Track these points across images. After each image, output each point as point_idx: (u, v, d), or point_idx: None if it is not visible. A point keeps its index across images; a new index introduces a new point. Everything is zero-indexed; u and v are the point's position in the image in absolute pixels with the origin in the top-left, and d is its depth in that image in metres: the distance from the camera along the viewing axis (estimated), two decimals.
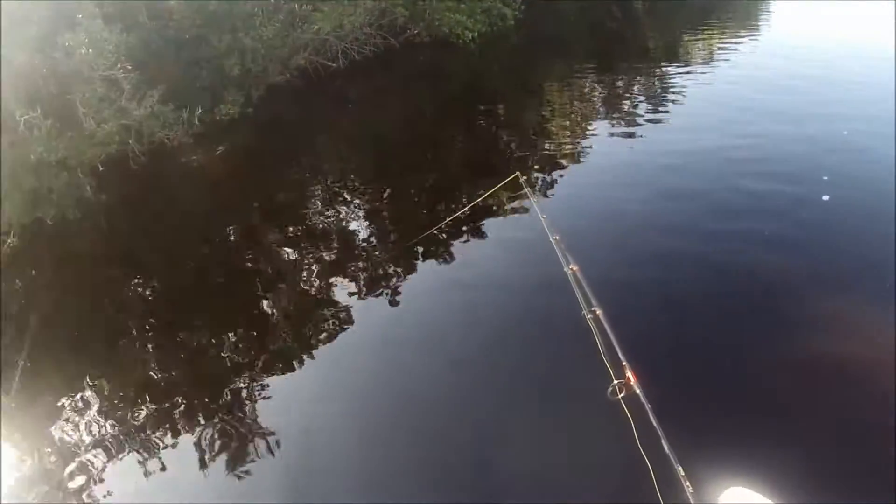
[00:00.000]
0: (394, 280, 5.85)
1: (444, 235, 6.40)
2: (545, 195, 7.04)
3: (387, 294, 5.63)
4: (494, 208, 6.85)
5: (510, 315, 4.95)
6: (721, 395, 3.97)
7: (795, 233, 5.61)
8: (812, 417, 3.78)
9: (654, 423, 3.36)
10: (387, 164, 9.13)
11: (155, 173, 8.82)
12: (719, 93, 10.37)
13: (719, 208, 6.21)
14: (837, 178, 6.50)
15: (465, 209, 6.62)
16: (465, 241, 6.33)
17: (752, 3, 21.28)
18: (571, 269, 3.99)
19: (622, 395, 3.59)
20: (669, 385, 3.81)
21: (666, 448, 3.22)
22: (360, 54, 14.15)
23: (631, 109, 10.24)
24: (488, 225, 6.60)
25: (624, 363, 3.66)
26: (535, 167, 8.06)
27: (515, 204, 6.80)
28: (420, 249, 6.24)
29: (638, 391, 3.55)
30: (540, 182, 7.51)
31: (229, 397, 4.64)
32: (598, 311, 3.78)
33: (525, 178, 5.91)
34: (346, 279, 5.91)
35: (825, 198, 6.07)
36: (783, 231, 5.61)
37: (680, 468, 3.13)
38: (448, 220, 6.40)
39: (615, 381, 3.61)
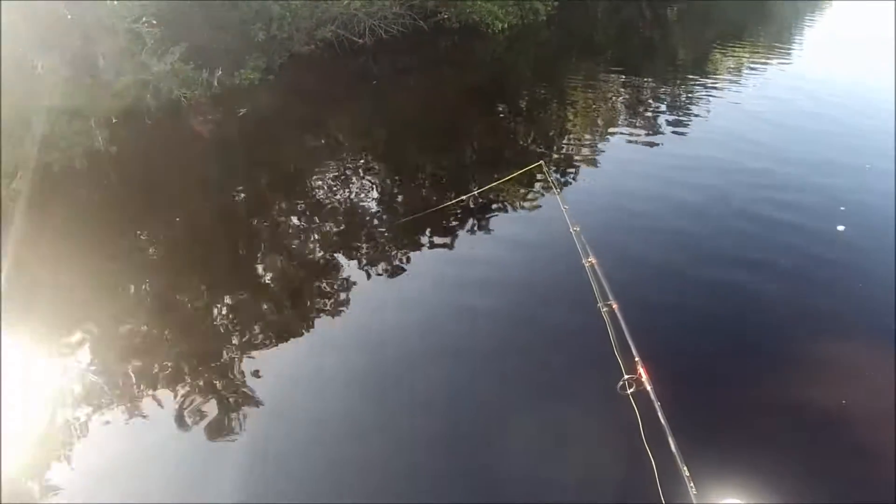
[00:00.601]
0: (403, 259, 5.77)
1: (459, 218, 6.36)
2: (567, 186, 6.96)
3: (394, 273, 5.57)
4: (515, 195, 6.80)
5: (523, 302, 4.89)
6: (730, 400, 3.94)
7: (808, 261, 5.63)
8: (819, 431, 3.76)
9: (663, 421, 3.36)
10: (405, 142, 9.08)
11: (169, 131, 8.80)
12: (744, 111, 10.26)
13: (737, 222, 6.19)
14: (854, 209, 6.51)
15: (482, 190, 6.59)
16: (482, 225, 6.28)
17: (789, 10, 21.14)
18: (589, 261, 3.98)
19: (632, 390, 3.60)
20: (680, 384, 3.78)
21: (672, 446, 3.21)
22: (388, 33, 14.11)
23: (654, 116, 10.16)
24: (508, 210, 6.56)
25: (636, 358, 3.66)
26: (558, 159, 8.03)
27: (537, 192, 6.75)
28: (434, 228, 6.19)
29: (648, 388, 3.55)
30: (563, 173, 7.45)
31: (217, 365, 4.54)
32: (614, 305, 3.78)
33: (548, 168, 5.93)
34: (351, 256, 5.83)
35: (840, 228, 6.08)
36: (804, 256, 5.64)
37: (685, 468, 3.12)
38: (461, 198, 6.38)
39: (626, 376, 3.62)
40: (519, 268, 5.40)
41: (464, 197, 6.38)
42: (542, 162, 5.45)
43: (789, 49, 16.41)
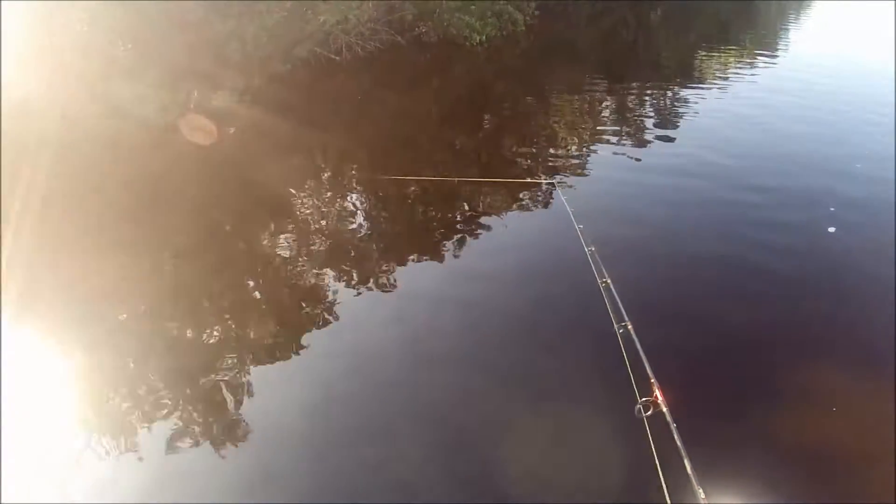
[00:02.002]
0: (408, 279, 5.76)
1: (465, 235, 6.44)
2: (579, 205, 6.79)
3: (401, 289, 5.57)
4: (526, 213, 6.91)
5: (537, 321, 4.93)
6: (748, 425, 4.03)
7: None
8: (845, 467, 3.85)
9: (679, 443, 3.48)
10: (394, 158, 9.19)
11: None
12: (732, 114, 10.58)
13: (758, 238, 6.38)
14: (843, 209, 6.75)
15: (488, 206, 6.75)
16: (491, 243, 6.37)
17: (774, 10, 21.66)
18: (604, 281, 4.12)
19: (648, 413, 3.73)
20: (695, 409, 3.89)
21: (689, 469, 3.32)
22: (365, 49, 14.30)
23: (648, 125, 10.43)
24: (518, 228, 6.65)
25: (652, 380, 3.77)
26: (569, 177, 8.06)
27: (549, 212, 6.81)
28: (439, 246, 6.25)
29: (664, 410, 3.68)
30: (574, 192, 7.42)
31: (215, 374, 4.60)
32: (629, 326, 3.91)
33: (560, 186, 6.13)
34: (349, 274, 5.87)
35: (831, 230, 6.30)
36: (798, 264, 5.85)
37: (701, 490, 3.24)
38: (468, 214, 6.49)
39: (642, 399, 3.73)
40: (531, 287, 5.42)
41: (470, 213, 6.49)
42: (554, 181, 5.60)
43: (776, 41, 16.92)
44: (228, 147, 9.36)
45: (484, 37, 15.55)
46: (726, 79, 13.38)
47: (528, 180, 6.80)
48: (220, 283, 5.93)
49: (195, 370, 4.61)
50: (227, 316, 5.35)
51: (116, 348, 4.90)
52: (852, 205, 6.94)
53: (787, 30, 20.57)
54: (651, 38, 18.75)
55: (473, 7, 15.74)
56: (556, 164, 8.64)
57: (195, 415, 4.25)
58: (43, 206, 7.01)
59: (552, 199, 6.72)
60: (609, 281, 4.20)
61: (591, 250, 4.55)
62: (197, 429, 4.10)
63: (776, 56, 16.00)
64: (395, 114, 11.52)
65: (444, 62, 14.78)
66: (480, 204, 7.16)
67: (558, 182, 7.00)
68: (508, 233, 6.53)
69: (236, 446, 3.93)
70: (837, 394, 4.14)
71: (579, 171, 8.35)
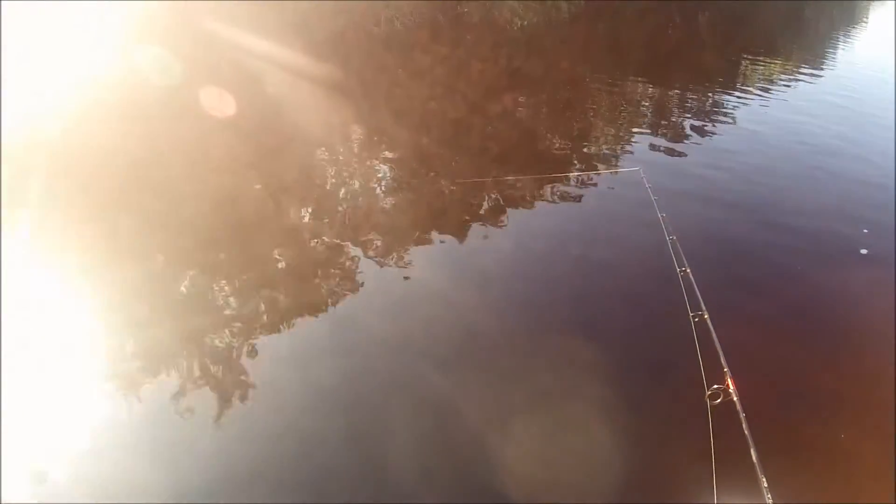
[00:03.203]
0: (487, 250, 6.08)
1: (552, 213, 6.84)
2: (664, 193, 6.96)
3: (476, 264, 5.84)
4: (611, 198, 7.20)
5: (612, 305, 5.17)
6: (819, 421, 4.22)
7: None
8: None
9: (746, 433, 3.66)
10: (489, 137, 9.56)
11: None
12: (774, 124, 10.81)
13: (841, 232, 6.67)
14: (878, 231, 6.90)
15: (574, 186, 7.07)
16: (574, 226, 6.69)
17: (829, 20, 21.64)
18: (683, 270, 4.31)
19: (717, 401, 3.92)
20: (767, 400, 4.10)
21: (754, 458, 3.52)
22: (405, 24, 14.47)
23: (728, 118, 10.90)
24: (602, 213, 6.94)
25: (725, 369, 3.96)
26: (655, 164, 8.37)
27: (633, 198, 6.94)
28: (525, 223, 6.61)
29: (735, 398, 3.86)
30: (659, 179, 7.53)
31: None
32: (706, 316, 4.10)
33: (645, 174, 6.41)
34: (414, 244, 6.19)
35: (863, 251, 6.44)
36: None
37: (764, 478, 3.43)
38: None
39: (714, 386, 3.92)
40: (611, 271, 5.66)
41: (551, 202, 6.78)
42: (639, 167, 5.81)
43: (825, 55, 16.98)
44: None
45: (525, 22, 15.69)
46: (767, 90, 13.54)
47: (615, 170, 7.14)
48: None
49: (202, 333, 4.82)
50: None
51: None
52: None
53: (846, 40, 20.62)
54: (697, 42, 18.86)
55: None
56: (641, 152, 8.94)
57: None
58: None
59: (637, 187, 6.93)
60: (689, 270, 4.39)
61: (672, 239, 4.73)
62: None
63: (824, 69, 16.08)
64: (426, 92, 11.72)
65: (485, 43, 14.87)
66: (560, 194, 7.43)
67: (643, 171, 7.21)
68: (594, 220, 6.81)
69: (230, 444, 4.02)
70: None
71: (664, 160, 8.65)
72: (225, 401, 4.26)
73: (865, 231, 6.57)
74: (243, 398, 4.28)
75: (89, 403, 4.23)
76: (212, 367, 4.57)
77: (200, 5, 11.07)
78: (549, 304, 5.21)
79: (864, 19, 29.54)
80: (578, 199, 7.30)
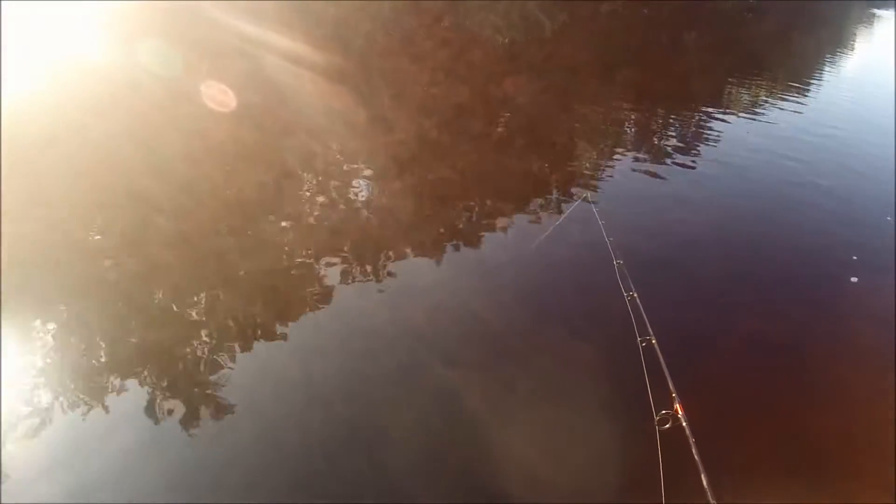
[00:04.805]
0: (434, 277, 6.18)
1: (493, 240, 6.95)
2: (610, 217, 6.97)
3: (423, 287, 5.97)
4: (555, 222, 7.31)
5: (559, 330, 5.26)
6: (767, 444, 4.32)
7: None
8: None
9: (696, 457, 3.74)
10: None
11: None
12: (763, 149, 11.01)
13: (790, 259, 6.81)
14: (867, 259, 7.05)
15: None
16: (519, 251, 6.85)
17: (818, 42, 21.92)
18: (630, 294, 4.42)
19: (666, 426, 4.00)
20: (715, 424, 4.18)
21: (705, 483, 3.60)
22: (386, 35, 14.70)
23: (680, 144, 11.04)
24: (549, 238, 7.01)
25: (673, 394, 4.06)
26: (600, 189, 8.57)
27: (579, 222, 7.07)
28: (466, 245, 6.76)
29: (684, 424, 3.96)
30: (605, 204, 7.69)
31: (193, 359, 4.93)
32: (654, 340, 4.21)
33: (591, 198, 6.54)
34: (361, 265, 6.32)
35: (853, 279, 6.58)
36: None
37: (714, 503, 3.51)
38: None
39: (663, 411, 4.01)
40: (556, 294, 5.81)
41: (501, 224, 6.96)
42: (587, 193, 5.96)
43: (811, 80, 17.31)
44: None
45: (507, 40, 15.94)
46: (754, 114, 13.75)
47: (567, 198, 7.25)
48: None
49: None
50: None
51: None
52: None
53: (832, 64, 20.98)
54: (683, 63, 19.16)
55: (500, 5, 16.13)
56: (588, 178, 9.14)
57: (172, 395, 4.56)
58: None
59: (584, 212, 7.02)
60: (635, 294, 4.50)
61: (618, 263, 4.85)
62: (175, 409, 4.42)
63: (813, 95, 16.38)
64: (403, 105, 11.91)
65: (465, 59, 15.08)
66: (511, 217, 7.65)
67: (590, 196, 7.37)
68: (541, 243, 6.90)
69: (222, 443, 4.20)
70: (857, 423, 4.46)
71: (611, 186, 8.82)
72: (224, 402, 4.49)
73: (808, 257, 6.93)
74: (242, 399, 4.53)
75: (89, 405, 4.44)
76: (212, 368, 4.81)
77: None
78: (500, 333, 5.34)
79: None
80: (527, 226, 7.49)
